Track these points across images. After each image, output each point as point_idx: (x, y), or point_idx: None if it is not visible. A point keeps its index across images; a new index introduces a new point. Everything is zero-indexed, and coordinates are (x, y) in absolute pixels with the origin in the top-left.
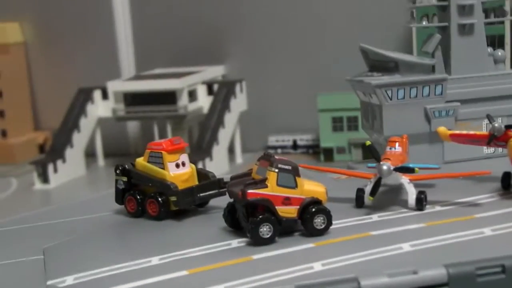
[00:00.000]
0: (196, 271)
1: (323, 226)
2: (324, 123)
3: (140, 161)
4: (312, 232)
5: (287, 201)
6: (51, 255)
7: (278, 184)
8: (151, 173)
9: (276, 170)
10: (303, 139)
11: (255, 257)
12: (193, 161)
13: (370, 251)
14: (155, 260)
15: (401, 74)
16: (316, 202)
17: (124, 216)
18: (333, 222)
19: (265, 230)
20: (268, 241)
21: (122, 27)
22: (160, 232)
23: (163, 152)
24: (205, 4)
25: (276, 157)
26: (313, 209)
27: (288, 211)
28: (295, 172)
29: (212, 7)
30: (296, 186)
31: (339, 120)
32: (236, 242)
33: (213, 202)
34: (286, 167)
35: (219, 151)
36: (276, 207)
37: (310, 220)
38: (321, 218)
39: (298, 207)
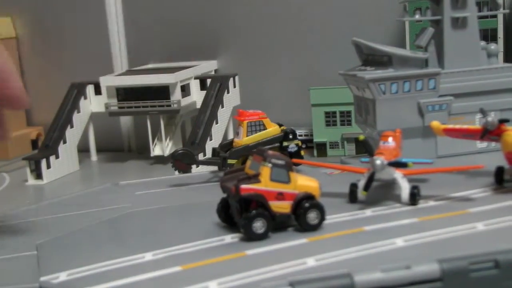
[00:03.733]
0: (189, 266)
1: (316, 221)
2: (317, 118)
3: None
4: (306, 227)
5: (280, 196)
6: (44, 251)
7: (271, 179)
8: None
9: (270, 165)
10: (296, 133)
11: (249, 252)
12: None
13: (364, 246)
14: (148, 256)
15: (394, 68)
16: (309, 197)
17: (117, 212)
18: (327, 217)
19: (259, 225)
20: (262, 237)
21: (114, 22)
22: (154, 228)
23: None
24: None
25: (270, 152)
26: (307, 204)
27: (282, 206)
28: (288, 167)
29: (205, 2)
30: (290, 181)
31: (332, 114)
32: (230, 238)
33: (206, 197)
34: (280, 162)
35: (213, 145)
36: (270, 202)
37: (303, 215)
38: (315, 213)
39: (291, 202)
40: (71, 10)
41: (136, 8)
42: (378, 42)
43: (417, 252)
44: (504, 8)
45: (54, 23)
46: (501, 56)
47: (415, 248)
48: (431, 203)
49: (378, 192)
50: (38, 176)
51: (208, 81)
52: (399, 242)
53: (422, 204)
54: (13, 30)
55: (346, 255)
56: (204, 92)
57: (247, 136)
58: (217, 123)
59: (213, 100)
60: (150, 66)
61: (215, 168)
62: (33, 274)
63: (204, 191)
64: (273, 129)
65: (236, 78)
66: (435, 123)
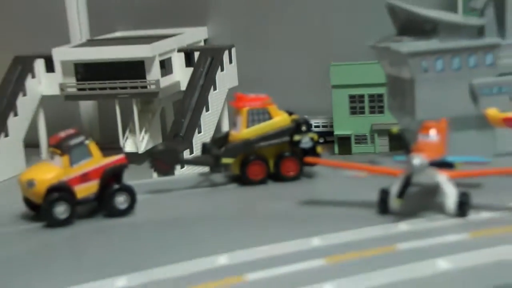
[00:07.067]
0: None
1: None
2: (339, 103)
3: None
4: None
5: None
6: None
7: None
8: None
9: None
10: (312, 124)
11: (251, 276)
12: None
13: (397, 270)
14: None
15: (440, 39)
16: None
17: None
18: (350, 232)
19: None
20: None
21: None
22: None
23: None
24: None
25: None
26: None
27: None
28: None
29: None
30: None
31: (359, 99)
32: (224, 258)
33: (194, 208)
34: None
35: (202, 140)
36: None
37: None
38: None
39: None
40: None
41: None
42: (420, 4)
43: (466, 278)
44: None
45: None
46: None
47: (464, 272)
48: (485, 214)
49: (416, 200)
50: None
51: (196, 54)
52: (443, 264)
53: (472, 215)
54: None
55: (374, 281)
56: (191, 69)
57: (247, 127)
58: (208, 110)
59: (203, 79)
60: (118, 34)
61: (206, 169)
62: None
63: (191, 200)
64: (281, 119)
65: (233, 50)
66: (493, 111)
